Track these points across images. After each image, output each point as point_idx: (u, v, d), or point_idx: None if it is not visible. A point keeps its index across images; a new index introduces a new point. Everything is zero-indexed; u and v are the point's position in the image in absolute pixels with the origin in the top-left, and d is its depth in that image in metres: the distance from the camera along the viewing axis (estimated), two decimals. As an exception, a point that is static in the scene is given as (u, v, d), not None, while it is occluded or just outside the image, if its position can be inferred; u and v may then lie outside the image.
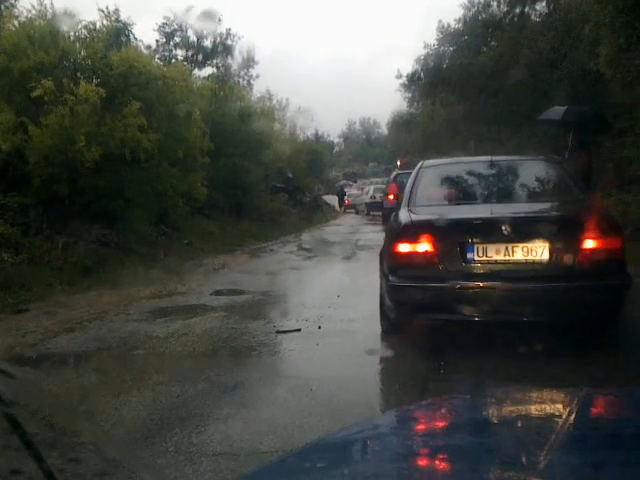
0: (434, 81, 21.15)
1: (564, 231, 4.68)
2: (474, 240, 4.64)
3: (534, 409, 1.58)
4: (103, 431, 3.46)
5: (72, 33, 12.99)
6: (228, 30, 29.83)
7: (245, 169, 17.71)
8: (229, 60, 30.34)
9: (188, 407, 3.80)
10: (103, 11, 13.84)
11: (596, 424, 1.35)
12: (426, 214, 5.16)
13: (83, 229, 10.62)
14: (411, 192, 5.65)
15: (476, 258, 4.63)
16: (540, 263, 4.59)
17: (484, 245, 4.63)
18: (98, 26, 13.83)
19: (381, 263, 5.52)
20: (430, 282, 4.68)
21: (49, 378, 4.53)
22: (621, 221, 12.46)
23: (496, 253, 4.63)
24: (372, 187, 31.80)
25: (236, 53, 30.39)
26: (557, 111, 11.63)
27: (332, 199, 39.73)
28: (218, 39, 29.74)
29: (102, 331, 6.00)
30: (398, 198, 8.43)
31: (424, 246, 4.70)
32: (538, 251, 4.61)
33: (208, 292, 7.86)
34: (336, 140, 77.91)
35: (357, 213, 33.63)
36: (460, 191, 5.76)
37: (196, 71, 28.74)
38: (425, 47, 21.62)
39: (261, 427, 3.32)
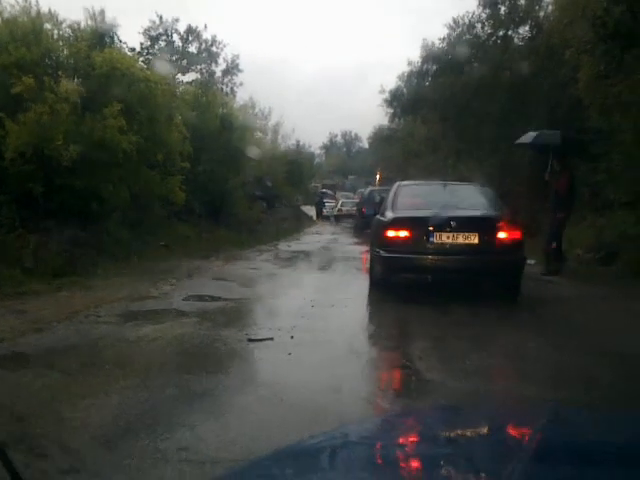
0: (416, 98, 21.32)
1: (487, 226, 7.68)
2: (434, 230, 7.57)
3: (504, 422, 1.61)
4: (67, 432, 3.42)
5: (56, 31, 12.91)
6: (213, 37, 29.82)
7: (224, 176, 17.65)
8: (213, 67, 30.27)
9: (155, 413, 3.74)
10: (88, 11, 13.81)
11: (563, 438, 1.37)
12: (404, 214, 8.05)
13: (57, 229, 10.46)
14: (393, 201, 8.53)
15: (435, 241, 7.59)
16: (472, 245, 7.56)
17: (439, 233, 7.58)
18: (82, 26, 13.78)
19: (371, 246, 9.07)
20: (407, 254, 7.62)
21: (13, 377, 4.45)
22: (594, 244, 12.77)
23: (446, 238, 7.59)
24: (341, 201, 36.34)
25: (220, 60, 30.36)
26: (529, 136, 11.89)
27: (310, 209, 39.82)
28: (203, 45, 29.67)
29: (70, 332, 5.91)
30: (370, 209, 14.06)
31: (404, 232, 7.68)
32: (471, 238, 7.57)
33: (181, 297, 7.80)
34: (317, 151, 77.99)
35: (330, 223, 34.30)
36: (424, 201, 8.59)
37: (180, 76, 28.74)
38: (409, 64, 21.77)
39: (228, 436, 3.28)
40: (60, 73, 11.12)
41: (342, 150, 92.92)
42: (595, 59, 10.08)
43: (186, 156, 14.50)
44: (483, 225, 7.70)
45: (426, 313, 7.02)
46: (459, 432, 1.52)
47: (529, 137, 11.65)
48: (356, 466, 1.27)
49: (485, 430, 1.56)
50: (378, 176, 42.99)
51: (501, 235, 7.57)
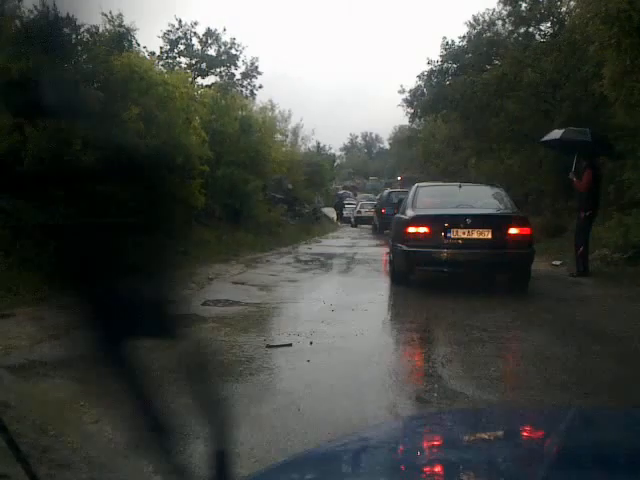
0: (436, 97, 21.10)
1: (500, 223, 8.46)
2: (451, 227, 8.27)
3: (526, 426, 1.60)
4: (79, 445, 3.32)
5: (74, 36, 12.94)
6: (232, 39, 29.82)
7: (244, 179, 17.58)
8: (232, 69, 30.27)
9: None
10: (106, 15, 13.84)
11: (586, 442, 1.36)
12: (424, 212, 8.79)
13: (77, 234, 10.45)
14: (413, 201, 9.27)
15: (452, 236, 8.28)
16: (486, 240, 8.22)
17: (456, 229, 8.26)
18: (101, 30, 13.81)
19: (392, 242, 9.73)
20: (426, 249, 8.31)
21: (27, 387, 4.38)
22: (621, 243, 12.47)
23: (462, 234, 8.26)
24: (360, 203, 35.94)
25: (240, 63, 30.34)
26: (556, 133, 11.58)
27: (331, 212, 39.67)
28: (222, 48, 29.69)
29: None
30: (390, 209, 16.02)
31: (423, 229, 8.42)
32: (485, 233, 8.24)
33: (200, 302, 7.70)
34: (338, 153, 77.95)
35: (352, 226, 33.94)
36: (441, 200, 9.29)
37: (199, 79, 28.79)
38: (429, 63, 21.55)
39: (242, 448, 3.15)
40: (78, 77, 11.09)
41: (363, 151, 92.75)
42: (620, 54, 9.82)
43: (205, 159, 14.48)
44: (496, 222, 8.52)
45: (448, 317, 6.85)
46: (479, 436, 1.50)
47: (556, 133, 11.34)
48: (376, 471, 1.25)
49: (506, 434, 1.53)
50: (400, 178, 42.74)
51: (512, 231, 8.32)
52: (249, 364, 5.06)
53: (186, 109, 13.39)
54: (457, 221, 8.26)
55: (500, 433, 1.55)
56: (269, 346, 5.53)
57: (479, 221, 8.32)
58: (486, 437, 1.50)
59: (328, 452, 1.48)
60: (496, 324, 6.53)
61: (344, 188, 58.63)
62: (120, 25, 14.14)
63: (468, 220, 8.25)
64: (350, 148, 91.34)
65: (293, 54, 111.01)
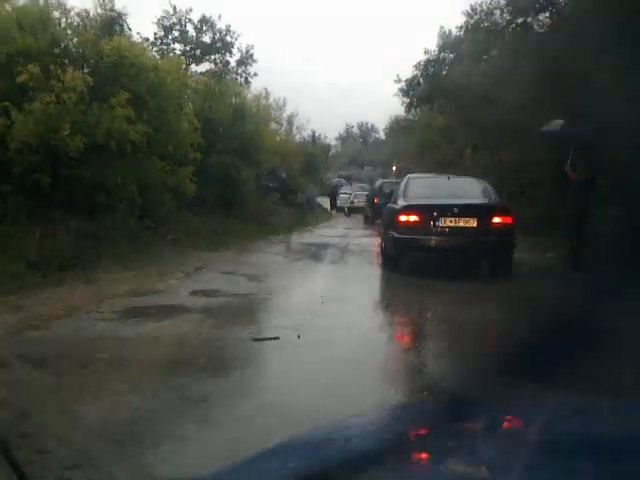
0: (432, 87, 20.86)
1: (484, 212, 8.99)
2: (439, 215, 8.83)
3: (509, 416, 1.62)
4: (43, 443, 3.15)
5: (64, 19, 12.69)
6: (227, 26, 29.48)
7: (236, 167, 17.36)
8: (227, 57, 29.95)
9: (145, 422, 3.47)
10: (97, -1, 13.54)
11: (567, 431, 1.39)
12: (414, 202, 9.30)
13: (63, 221, 10.24)
14: (404, 191, 9.87)
15: (440, 225, 8.84)
16: (472, 228, 8.80)
17: (444, 218, 8.82)
18: (92, 14, 13.54)
19: (384, 229, 10.41)
20: (416, 236, 8.90)
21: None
22: (617, 238, 12.33)
23: (450, 222, 8.83)
24: (354, 193, 36.36)
25: (235, 50, 30.02)
26: (557, 123, 11.40)
27: (326, 201, 39.45)
28: (217, 35, 29.36)
29: (68, 330, 5.67)
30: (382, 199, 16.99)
31: (414, 217, 8.96)
32: (471, 222, 8.83)
33: (186, 292, 7.53)
34: (333, 143, 77.51)
35: (346, 215, 33.86)
36: (431, 191, 9.79)
37: (193, 66, 28.46)
38: (425, 53, 21.26)
39: (220, 451, 2.98)
40: (67, 62, 10.85)
41: (358, 141, 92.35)
42: (621, 44, 9.62)
43: (197, 147, 14.27)
44: (481, 211, 9.05)
45: (439, 311, 6.70)
46: (464, 424, 1.51)
47: (555, 125, 11.12)
48: (359, 458, 1.23)
49: (490, 422, 1.54)
50: (395, 168, 42.54)
51: (496, 220, 8.91)
52: (234, 358, 4.90)
53: (178, 95, 13.15)
54: (445, 210, 8.84)
55: (486, 421, 1.55)
56: (255, 339, 5.36)
57: (465, 210, 8.88)
58: (472, 425, 1.51)
59: (312, 440, 1.49)
60: (484, 317, 6.39)
61: (339, 177, 58.37)
62: (112, 9, 13.85)
63: (455, 209, 8.84)
64: (346, 138, 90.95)
65: (288, 43, 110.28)
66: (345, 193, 40.40)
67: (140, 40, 23.39)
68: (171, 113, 12.69)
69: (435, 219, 8.80)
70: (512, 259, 9.07)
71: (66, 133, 10.27)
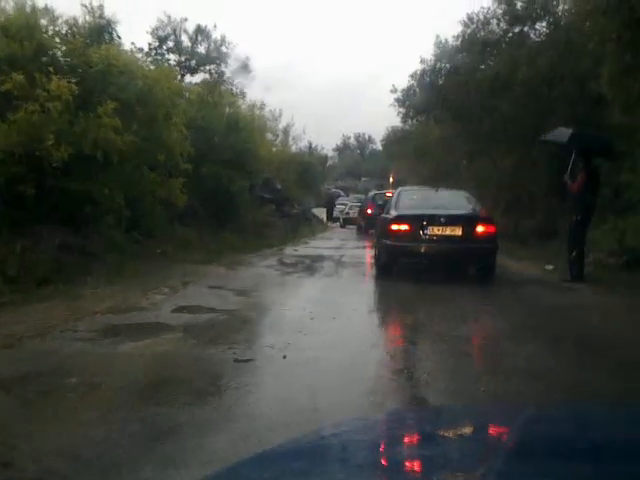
0: (429, 97, 20.62)
1: (469, 222, 9.68)
2: (427, 224, 9.46)
3: (487, 421, 1.66)
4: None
5: (51, 27, 12.42)
6: (223, 37, 29.28)
7: (229, 177, 17.05)
8: (223, 67, 29.73)
9: (108, 458, 3.14)
10: (86, 6, 13.31)
11: (539, 438, 1.41)
12: (405, 212, 10.01)
13: (47, 234, 9.91)
14: (396, 202, 10.69)
15: (428, 233, 9.48)
16: (457, 236, 9.45)
17: (432, 227, 9.45)
18: (80, 22, 13.30)
19: (377, 238, 11.00)
20: (407, 243, 9.60)
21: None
22: (616, 248, 12.04)
23: (437, 230, 9.47)
24: (349, 204, 36.30)
25: (230, 61, 29.80)
26: (563, 133, 11.01)
27: (321, 212, 39.15)
28: (212, 45, 29.16)
29: (40, 350, 5.33)
30: (376, 210, 18.20)
31: (404, 226, 9.63)
32: (456, 230, 9.46)
33: (170, 308, 7.20)
34: (330, 154, 77.31)
35: (341, 226, 33.64)
36: (420, 202, 10.59)
37: (188, 77, 28.25)
38: (421, 62, 21.00)
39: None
40: (52, 70, 10.56)
41: (355, 152, 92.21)
42: (621, 49, 9.38)
43: (187, 157, 13.98)
44: (465, 221, 9.74)
45: (434, 328, 6.37)
46: (440, 432, 1.55)
47: (562, 135, 10.77)
48: (338, 467, 1.25)
49: (466, 430, 1.60)
50: (392, 179, 42.32)
51: (479, 229, 9.62)
52: (213, 382, 4.56)
53: (168, 105, 12.84)
54: (433, 220, 9.52)
55: (463, 428, 1.60)
56: (237, 360, 5.03)
57: (451, 220, 9.58)
58: (448, 433, 1.55)
59: (291, 449, 1.50)
60: (484, 335, 6.07)
61: (336, 188, 58.10)
62: (101, 17, 13.62)
63: (442, 219, 9.53)
64: (343, 149, 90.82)
65: (285, 54, 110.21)
66: (341, 204, 40.13)
67: (133, 50, 23.25)
68: (161, 122, 12.38)
69: (424, 228, 9.49)
70: (495, 264, 9.82)
71: (50, 143, 9.95)
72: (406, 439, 1.55)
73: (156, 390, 4.32)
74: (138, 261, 10.65)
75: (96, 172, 10.84)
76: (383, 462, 1.32)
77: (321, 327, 6.38)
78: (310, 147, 57.28)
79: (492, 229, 9.70)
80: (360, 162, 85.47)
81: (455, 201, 10.63)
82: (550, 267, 12.07)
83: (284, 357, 5.12)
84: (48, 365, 4.88)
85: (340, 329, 6.34)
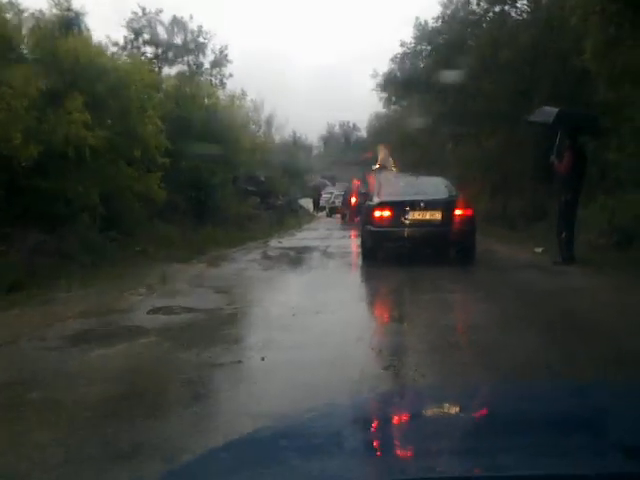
0: (410, 81, 20.33)
1: (447, 206, 9.96)
2: (408, 209, 9.85)
3: (462, 401, 1.72)
4: None
5: (16, 21, 11.97)
6: (200, 27, 28.74)
7: (210, 170, 16.67)
8: (201, 58, 29.20)
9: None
10: (53, -1, 12.86)
11: (512, 412, 1.50)
12: (387, 198, 10.32)
13: (19, 236, 9.53)
14: (378, 190, 11.10)
15: (410, 217, 9.86)
16: (437, 219, 9.85)
17: (413, 212, 9.84)
18: (47, 15, 12.85)
19: (362, 225, 11.20)
20: (389, 228, 10.00)
21: None
22: (606, 228, 11.80)
23: (418, 215, 9.85)
24: (334, 194, 35.83)
25: (208, 52, 29.27)
26: (549, 113, 10.70)
27: (308, 202, 38.80)
28: (189, 36, 28.62)
29: (2, 362, 5.00)
30: (360, 198, 18.97)
31: (387, 212, 10.00)
32: (436, 215, 9.86)
33: (147, 309, 6.86)
34: (315, 143, 76.71)
35: (327, 216, 33.35)
36: (401, 189, 11.06)
37: (167, 69, 27.69)
38: (402, 45, 20.70)
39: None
40: (16, 65, 10.14)
41: (341, 141, 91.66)
42: (604, 22, 9.08)
43: (165, 151, 13.60)
44: (444, 205, 10.03)
45: (422, 319, 6.09)
46: (422, 412, 1.62)
47: (547, 115, 10.46)
48: (325, 449, 1.29)
49: (443, 410, 1.64)
50: (377, 166, 42.00)
51: (457, 212, 9.95)
52: (183, 392, 4.24)
53: (141, 98, 12.45)
54: (413, 205, 9.91)
55: (438, 409, 1.65)
56: (212, 365, 4.72)
57: (431, 205, 9.95)
58: (426, 413, 1.62)
59: (265, 436, 1.52)
60: (474, 325, 5.78)
61: (323, 178, 57.65)
62: (68, 9, 13.17)
63: (422, 204, 9.91)
64: (328, 138, 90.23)
65: (266, 42, 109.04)
66: (328, 193, 39.76)
67: (109, 44, 22.79)
68: (135, 116, 11.99)
69: (405, 213, 9.89)
70: (474, 245, 10.19)
71: (18, 142, 9.56)
72: (386, 420, 1.58)
73: (121, 404, 3.99)
74: (116, 261, 10.29)
75: (69, 169, 10.47)
76: (368, 443, 1.36)
77: (303, 323, 6.08)
78: (294, 137, 56.83)
79: (469, 212, 10.13)
80: (346, 150, 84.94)
81: (434, 187, 10.92)
82: (539, 250, 11.82)
83: (262, 359, 4.81)
84: (7, 378, 4.55)
85: (323, 324, 6.03)
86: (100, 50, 12.53)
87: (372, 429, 1.48)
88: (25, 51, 11.54)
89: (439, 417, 1.57)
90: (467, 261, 9.98)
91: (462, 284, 8.17)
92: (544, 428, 1.33)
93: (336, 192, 36.58)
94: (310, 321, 6.19)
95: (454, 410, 1.66)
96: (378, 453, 1.29)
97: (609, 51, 10.32)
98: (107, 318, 6.54)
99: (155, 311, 6.79)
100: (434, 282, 8.24)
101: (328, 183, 50.01)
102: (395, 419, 1.58)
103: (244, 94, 26.45)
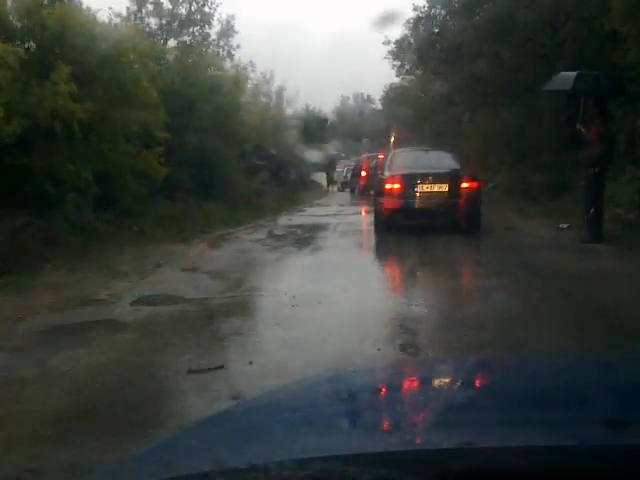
0: (424, 47, 19.33)
1: (454, 179, 10.55)
2: (418, 183, 10.52)
3: (450, 374, 1.71)
4: None
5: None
6: (205, -4, 27.69)
7: (214, 145, 15.90)
8: (207, 29, 28.22)
9: None
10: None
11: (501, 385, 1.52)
12: (398, 172, 10.93)
13: (4, 218, 8.88)
14: (390, 164, 11.63)
15: (419, 190, 10.53)
16: (445, 191, 10.48)
17: (422, 185, 10.52)
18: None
19: (375, 197, 11.83)
20: (399, 200, 10.52)
21: None
22: (636, 201, 10.96)
23: (427, 188, 10.51)
24: (346, 168, 34.92)
25: (215, 22, 28.27)
26: (566, 79, 9.92)
27: (322, 177, 37.89)
28: (194, 6, 27.64)
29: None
30: (371, 172, 19.84)
31: (397, 185, 10.67)
32: (443, 187, 10.50)
33: (131, 300, 6.20)
34: (329, 116, 75.54)
35: (339, 190, 32.45)
36: (411, 163, 11.36)
37: (172, 41, 26.80)
38: (415, 10, 19.64)
39: None
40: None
41: (355, 113, 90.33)
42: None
43: (166, 125, 12.88)
44: (451, 178, 10.57)
45: (433, 316, 5.37)
46: (399, 386, 1.61)
47: (566, 81, 9.68)
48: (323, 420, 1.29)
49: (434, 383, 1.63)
50: (393, 139, 40.95)
51: (464, 185, 10.49)
52: (154, 406, 3.59)
53: (135, 68, 11.69)
54: (422, 178, 10.52)
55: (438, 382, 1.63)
56: (192, 371, 4.05)
57: (438, 178, 10.55)
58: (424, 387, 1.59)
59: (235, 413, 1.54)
60: (500, 321, 5.05)
61: (337, 151, 56.58)
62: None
63: (430, 177, 10.53)
64: (342, 110, 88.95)
65: (276, 14, 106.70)
66: (342, 168, 38.79)
67: (113, 17, 22.03)
68: (129, 87, 11.23)
69: (414, 185, 10.47)
70: (480, 215, 10.62)
71: (1, 116, 8.88)
72: (391, 390, 1.57)
73: (79, 420, 3.34)
74: (109, 243, 9.62)
75: (57, 146, 9.78)
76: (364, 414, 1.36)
77: (302, 316, 5.38)
78: (307, 109, 55.67)
79: (475, 185, 10.70)
80: (360, 123, 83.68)
81: (443, 161, 11.48)
82: (564, 226, 11.04)
83: (250, 363, 4.14)
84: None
85: (324, 318, 5.30)
86: (90, 18, 11.71)
87: (361, 401, 1.46)
88: (14, 22, 10.80)
89: (424, 390, 1.55)
90: (473, 230, 10.40)
91: (484, 268, 7.40)
92: (527, 401, 1.34)
93: (348, 166, 35.66)
94: (310, 314, 5.48)
95: (441, 383, 1.64)
96: (365, 425, 1.27)
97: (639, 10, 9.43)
98: (85, 310, 5.89)
99: (140, 301, 6.12)
100: (450, 264, 7.51)
101: (343, 155, 49.01)
102: (382, 392, 1.57)
103: (252, 65, 25.59)
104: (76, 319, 5.54)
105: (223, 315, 5.58)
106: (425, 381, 1.64)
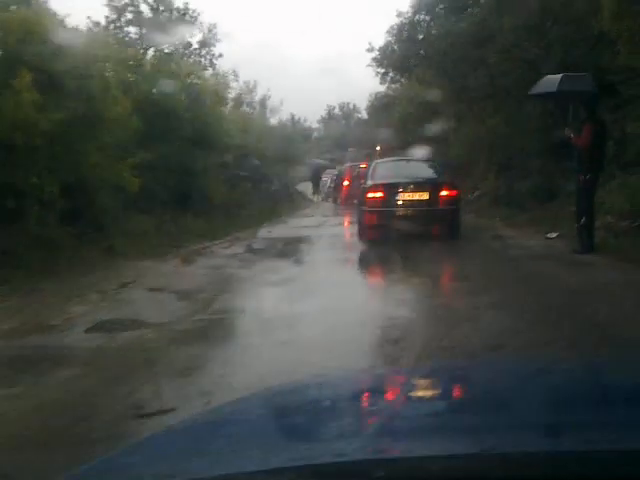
0: (408, 54, 18.95)
1: (434, 188, 11.02)
2: (399, 191, 10.93)
3: (444, 381, 1.72)
4: None
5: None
6: (186, 4, 27.29)
7: (193, 155, 15.36)
8: (188, 38, 27.80)
9: None
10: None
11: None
12: (379, 181, 11.34)
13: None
14: (372, 173, 12.09)
15: (400, 199, 10.91)
16: (424, 200, 10.89)
17: (403, 193, 10.93)
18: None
19: (358, 206, 12.34)
20: (382, 208, 10.85)
21: None
22: (627, 209, 10.55)
23: (408, 197, 10.92)
24: (330, 178, 34.29)
25: (196, 31, 27.87)
26: (551, 81, 9.56)
27: (307, 187, 37.38)
28: (175, 15, 27.21)
29: None
30: (354, 181, 20.54)
31: (379, 194, 11.02)
32: (424, 195, 10.92)
33: (87, 326, 5.64)
34: (315, 126, 75.23)
35: (323, 200, 31.97)
36: (393, 172, 11.86)
37: (152, 51, 26.30)
38: (398, 16, 19.24)
39: None
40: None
41: (341, 123, 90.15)
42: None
43: (141, 135, 12.36)
44: (431, 186, 11.02)
45: (421, 337, 4.87)
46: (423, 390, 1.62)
47: (551, 84, 9.31)
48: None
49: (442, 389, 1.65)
50: (379, 148, 40.51)
51: (443, 193, 10.88)
52: (91, 459, 3.03)
53: (105, 76, 11.18)
54: (403, 187, 10.89)
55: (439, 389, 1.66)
56: (141, 415, 3.52)
57: (419, 186, 10.97)
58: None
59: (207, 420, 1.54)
60: (490, 344, 4.56)
61: (323, 160, 56.16)
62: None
63: (411, 186, 10.93)
64: (328, 120, 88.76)
65: (260, 24, 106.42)
66: (327, 177, 38.33)
67: (91, 26, 21.57)
68: (98, 97, 10.70)
69: (396, 194, 10.80)
70: (459, 223, 11.08)
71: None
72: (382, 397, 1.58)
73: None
74: (75, 260, 9.06)
75: (18, 159, 9.21)
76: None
77: (275, 342, 4.85)
78: (293, 119, 55.36)
79: (454, 193, 11.10)
80: (346, 132, 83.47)
81: (423, 170, 12.03)
82: (553, 235, 10.62)
83: (208, 404, 3.61)
84: None
85: (295, 349, 4.76)
86: (54, 23, 11.15)
87: (361, 405, 1.50)
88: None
89: (371, 402, 1.55)
90: (453, 237, 10.79)
91: (470, 283, 6.92)
92: (489, 408, 1.32)
93: (332, 175, 35.22)
94: (281, 340, 4.95)
95: (436, 391, 1.66)
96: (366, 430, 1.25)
97: (630, 11, 9.07)
98: (33, 338, 5.33)
99: (96, 328, 5.56)
100: (437, 279, 7.02)
101: (329, 165, 48.60)
102: (333, 403, 1.52)
103: (235, 74, 25.14)
104: (20, 351, 4.99)
105: (184, 344, 5.03)
106: (372, 392, 1.63)
